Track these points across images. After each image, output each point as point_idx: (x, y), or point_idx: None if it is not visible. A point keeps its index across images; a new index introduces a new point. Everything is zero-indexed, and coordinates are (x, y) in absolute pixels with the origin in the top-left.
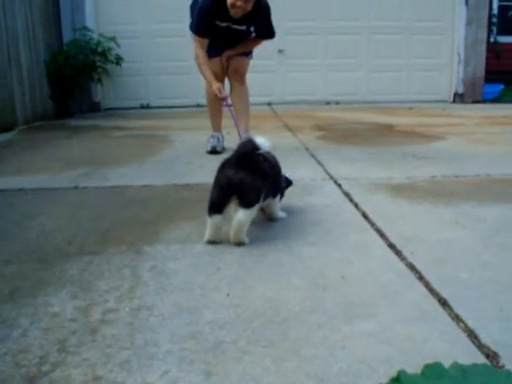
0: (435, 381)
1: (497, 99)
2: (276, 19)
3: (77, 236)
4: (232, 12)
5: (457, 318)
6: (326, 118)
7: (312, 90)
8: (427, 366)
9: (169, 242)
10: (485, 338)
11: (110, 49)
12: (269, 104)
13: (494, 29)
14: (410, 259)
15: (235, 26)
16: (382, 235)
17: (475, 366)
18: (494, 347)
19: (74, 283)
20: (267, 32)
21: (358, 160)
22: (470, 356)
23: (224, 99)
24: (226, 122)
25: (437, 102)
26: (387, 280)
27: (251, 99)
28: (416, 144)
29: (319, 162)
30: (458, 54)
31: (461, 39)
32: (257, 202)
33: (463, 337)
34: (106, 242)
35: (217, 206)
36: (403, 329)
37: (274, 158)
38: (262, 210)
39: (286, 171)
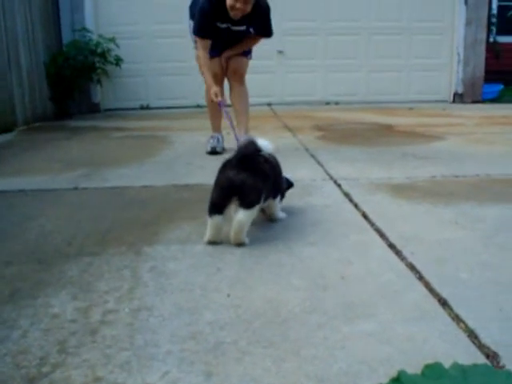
0: (435, 381)
1: (496, 99)
2: (275, 20)
3: (76, 237)
4: (231, 14)
5: (457, 318)
6: (326, 119)
7: (312, 90)
8: (427, 366)
9: (169, 242)
10: (485, 338)
11: (109, 50)
12: (269, 104)
13: (494, 29)
14: (410, 259)
15: (235, 28)
16: (381, 235)
17: (475, 366)
18: (494, 347)
19: (73, 284)
20: (266, 30)
21: (358, 160)
22: (470, 356)
23: (220, 104)
24: (226, 123)
25: (437, 102)
26: (387, 280)
27: (251, 100)
28: (416, 144)
29: (319, 163)
30: (458, 54)
31: (460, 39)
32: (257, 202)
33: (463, 337)
34: (106, 243)
35: (217, 207)
36: (403, 329)
37: (274, 158)
38: (263, 210)
39: (287, 172)
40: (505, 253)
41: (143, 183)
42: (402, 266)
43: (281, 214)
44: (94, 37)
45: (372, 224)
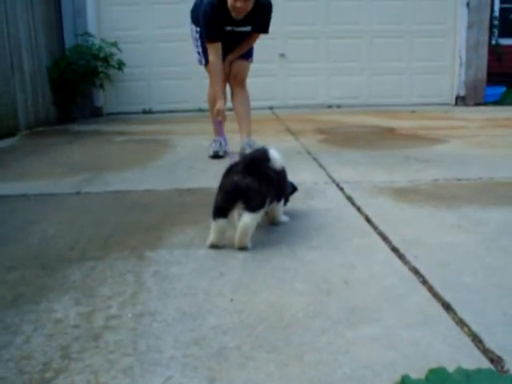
0: None
1: (499, 102)
2: (277, 23)
3: (79, 241)
4: (233, 14)
5: (461, 323)
6: (328, 122)
7: (314, 93)
8: (431, 371)
9: (172, 246)
10: (489, 343)
11: (111, 54)
12: (270, 108)
13: (496, 31)
14: (413, 263)
15: (239, 29)
16: (384, 239)
17: (480, 370)
18: (498, 352)
19: (76, 289)
20: (264, 27)
21: (360, 163)
22: (474, 361)
23: (220, 123)
24: (229, 126)
25: (439, 104)
26: (390, 284)
27: (253, 103)
28: (418, 147)
29: (321, 166)
30: (460, 57)
31: (462, 42)
32: (262, 206)
33: (467, 341)
34: (109, 248)
35: (222, 210)
36: (407, 333)
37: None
38: (266, 213)
39: (289, 176)
40: (508, 256)
41: (146, 187)
42: (405, 269)
43: (283, 218)
44: (97, 41)
45: (375, 228)
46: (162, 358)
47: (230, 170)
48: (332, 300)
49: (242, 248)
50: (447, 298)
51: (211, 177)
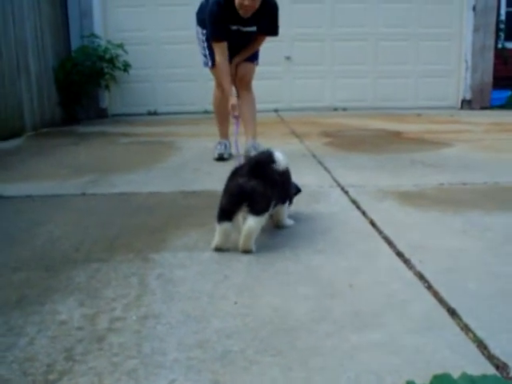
0: None
1: (505, 105)
2: (283, 26)
3: (84, 243)
4: (241, 12)
5: (466, 328)
6: (334, 125)
7: (319, 96)
8: (436, 377)
9: (176, 249)
10: (494, 349)
11: (117, 55)
12: (276, 111)
13: (502, 35)
14: (419, 268)
15: (246, 29)
16: (389, 243)
17: (485, 376)
18: (503, 358)
19: (81, 291)
20: (272, 29)
21: (366, 167)
22: (479, 367)
23: (235, 117)
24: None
25: (445, 108)
26: (395, 289)
27: (258, 106)
28: (424, 151)
29: (326, 169)
30: (466, 61)
31: (468, 45)
32: (267, 210)
33: (472, 347)
34: (114, 250)
35: (227, 213)
36: (412, 339)
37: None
38: (270, 216)
39: (294, 179)
40: None
41: (151, 189)
42: (410, 274)
43: (288, 221)
44: (103, 43)
45: (380, 232)
46: (166, 361)
47: (235, 173)
48: (336, 304)
49: (247, 251)
50: (452, 303)
51: (216, 179)
